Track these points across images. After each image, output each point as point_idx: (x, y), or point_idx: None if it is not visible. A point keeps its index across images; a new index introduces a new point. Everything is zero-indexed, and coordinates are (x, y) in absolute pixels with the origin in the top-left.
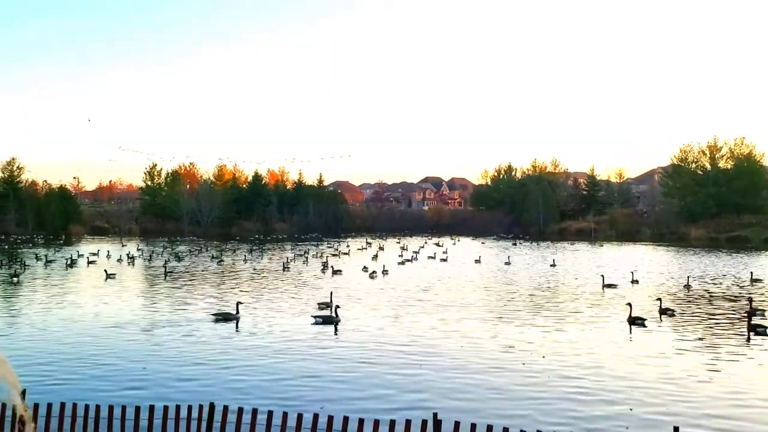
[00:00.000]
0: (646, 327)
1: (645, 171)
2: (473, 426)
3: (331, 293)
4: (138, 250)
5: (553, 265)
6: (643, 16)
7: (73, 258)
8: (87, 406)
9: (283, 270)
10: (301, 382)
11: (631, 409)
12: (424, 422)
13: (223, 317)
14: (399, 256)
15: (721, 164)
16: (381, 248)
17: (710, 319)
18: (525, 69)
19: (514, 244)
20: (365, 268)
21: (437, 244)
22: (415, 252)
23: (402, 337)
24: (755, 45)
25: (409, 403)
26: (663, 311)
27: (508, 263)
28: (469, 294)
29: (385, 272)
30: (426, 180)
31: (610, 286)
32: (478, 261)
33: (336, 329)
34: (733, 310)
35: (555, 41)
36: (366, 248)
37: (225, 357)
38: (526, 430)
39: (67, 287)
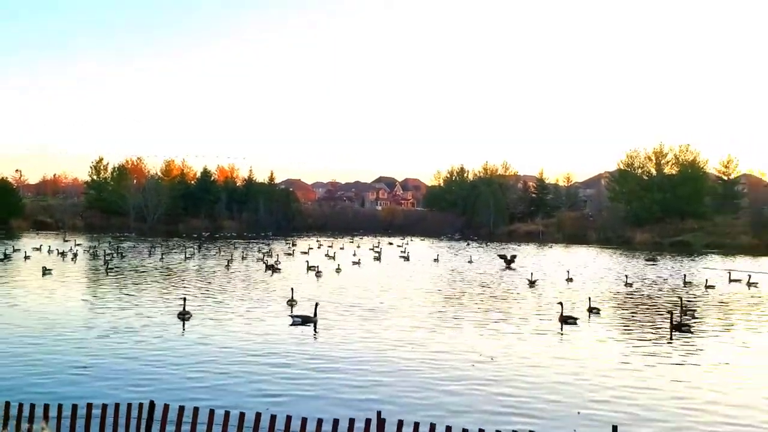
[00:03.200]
0: (577, 325)
1: (592, 175)
2: (416, 425)
3: (292, 289)
4: (76, 245)
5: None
6: (594, 23)
7: (6, 253)
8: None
9: (227, 268)
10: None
11: (578, 412)
12: (368, 421)
13: (302, 321)
14: (353, 254)
15: (667, 170)
16: (341, 248)
17: (638, 317)
18: (477, 73)
19: (468, 245)
20: (312, 268)
21: (390, 244)
22: (378, 252)
23: (362, 340)
24: (701, 55)
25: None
26: (590, 310)
27: (470, 261)
28: (427, 295)
29: (338, 271)
30: (380, 180)
31: (532, 283)
32: (436, 260)
33: (315, 329)
34: (659, 311)
35: (507, 47)
36: (311, 249)
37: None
38: (468, 428)
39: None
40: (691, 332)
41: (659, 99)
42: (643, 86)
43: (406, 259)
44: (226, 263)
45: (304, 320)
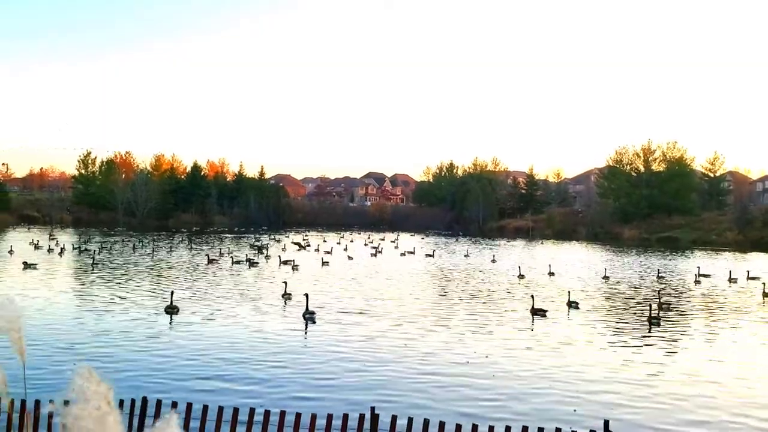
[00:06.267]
0: (546, 318)
1: (582, 171)
2: (410, 420)
3: (285, 283)
4: (51, 240)
5: (494, 261)
6: (584, 21)
7: None
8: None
9: (208, 263)
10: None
11: (575, 410)
12: (362, 416)
13: (311, 316)
14: (344, 249)
15: (654, 167)
16: (337, 243)
17: (615, 311)
18: (467, 68)
19: (457, 240)
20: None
21: (381, 239)
22: (374, 247)
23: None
24: (690, 53)
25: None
26: (569, 303)
27: (467, 255)
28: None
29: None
30: (369, 175)
31: (521, 276)
32: (430, 255)
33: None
34: (638, 305)
35: (497, 43)
36: (303, 245)
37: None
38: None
39: None
40: (660, 325)
41: (648, 96)
42: (632, 84)
43: (402, 255)
44: (216, 257)
45: (311, 315)
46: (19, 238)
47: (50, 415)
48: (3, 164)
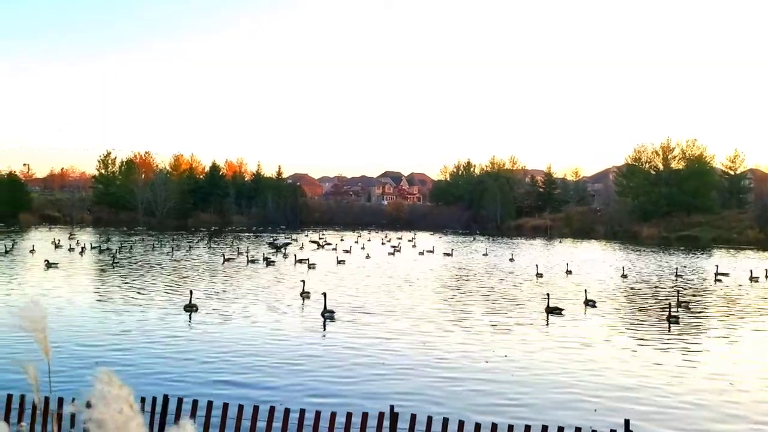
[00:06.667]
0: (562, 316)
1: (600, 170)
2: (429, 418)
3: (303, 282)
4: (71, 239)
5: (512, 260)
6: (602, 17)
7: (7, 247)
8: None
9: (224, 262)
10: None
11: (595, 410)
12: (381, 414)
13: (330, 315)
14: (362, 248)
15: (674, 165)
16: (355, 242)
17: (633, 310)
18: (485, 66)
19: (474, 239)
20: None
21: (399, 239)
22: (395, 246)
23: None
24: (709, 50)
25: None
26: (586, 302)
27: (485, 254)
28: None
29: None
30: (385, 174)
31: (539, 275)
32: (449, 254)
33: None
34: (656, 303)
35: (515, 40)
36: (321, 244)
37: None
38: (481, 423)
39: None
40: (679, 323)
41: (667, 94)
42: (651, 81)
43: (421, 253)
44: (236, 255)
45: (331, 314)
46: (41, 238)
47: (72, 415)
48: (24, 164)
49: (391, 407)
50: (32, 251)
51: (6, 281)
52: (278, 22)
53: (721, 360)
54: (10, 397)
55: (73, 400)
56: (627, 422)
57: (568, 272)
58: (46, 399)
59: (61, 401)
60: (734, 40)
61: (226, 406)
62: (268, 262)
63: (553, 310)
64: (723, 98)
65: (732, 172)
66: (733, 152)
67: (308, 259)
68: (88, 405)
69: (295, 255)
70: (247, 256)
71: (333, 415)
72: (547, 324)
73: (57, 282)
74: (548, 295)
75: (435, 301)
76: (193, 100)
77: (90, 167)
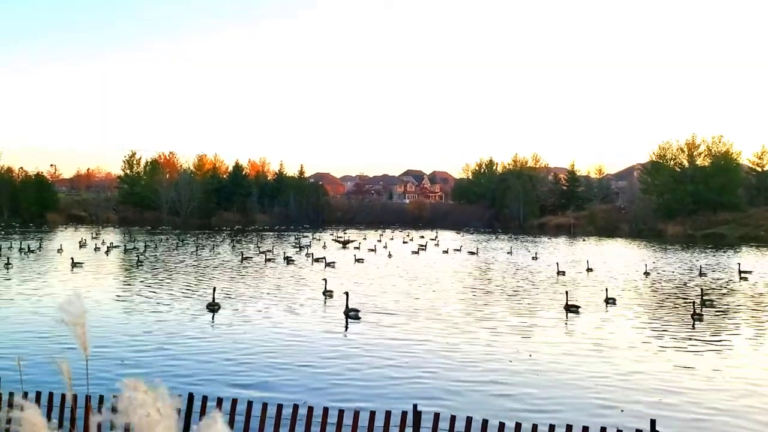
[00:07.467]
0: (579, 314)
1: (624, 167)
2: (452, 417)
3: (325, 281)
4: (93, 238)
5: (535, 258)
6: (624, 14)
7: (31, 247)
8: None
9: (242, 261)
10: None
11: (622, 410)
12: (404, 413)
13: (354, 314)
14: (384, 248)
15: (699, 162)
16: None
17: (656, 307)
18: (507, 64)
19: (497, 238)
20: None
21: (422, 237)
22: (421, 245)
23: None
24: (734, 46)
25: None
26: (607, 300)
27: (510, 253)
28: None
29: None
30: (407, 173)
31: (561, 273)
32: (473, 252)
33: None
34: (678, 301)
35: (537, 38)
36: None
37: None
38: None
39: (28, 275)
40: (702, 320)
41: (692, 90)
42: (676, 77)
43: (445, 252)
44: (261, 253)
45: (355, 313)
46: (68, 237)
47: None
48: (51, 165)
49: (414, 406)
50: (59, 251)
51: (32, 280)
52: (300, 21)
53: (748, 360)
54: (51, 395)
55: (114, 396)
56: (653, 422)
57: (589, 270)
58: (73, 396)
59: (101, 398)
60: (761, 38)
61: (250, 404)
62: (289, 261)
63: (570, 308)
64: (750, 94)
65: (759, 169)
66: (760, 148)
67: (324, 258)
68: (114, 410)
69: (312, 254)
70: (264, 255)
71: (356, 413)
72: (567, 322)
73: (82, 281)
74: (567, 293)
75: (459, 300)
76: (216, 100)
77: (115, 168)
